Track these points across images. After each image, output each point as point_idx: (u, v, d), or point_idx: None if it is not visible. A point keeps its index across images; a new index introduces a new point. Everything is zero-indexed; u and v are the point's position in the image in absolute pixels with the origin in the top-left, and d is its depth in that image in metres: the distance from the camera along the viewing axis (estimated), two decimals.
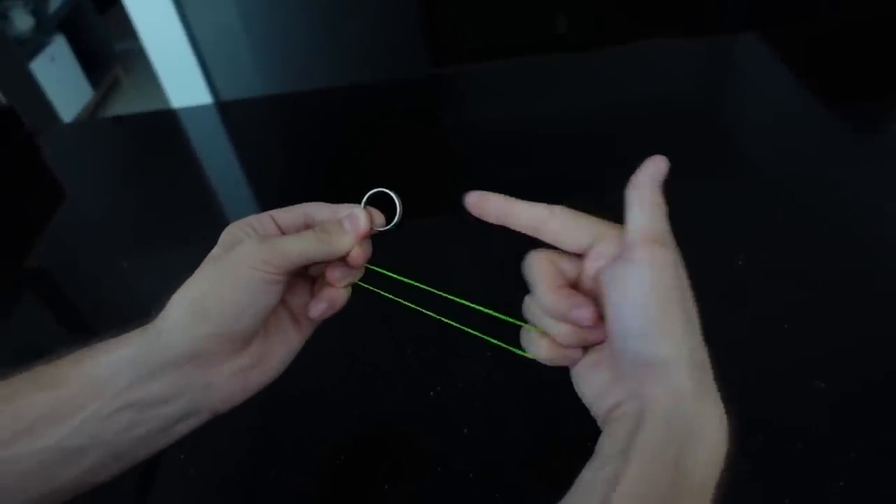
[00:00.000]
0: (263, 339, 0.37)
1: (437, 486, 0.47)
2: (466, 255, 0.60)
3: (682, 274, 0.31)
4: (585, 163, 0.77)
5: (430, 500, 0.47)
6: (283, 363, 0.39)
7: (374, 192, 0.38)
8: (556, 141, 0.83)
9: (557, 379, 0.52)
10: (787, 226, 0.65)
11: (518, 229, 0.36)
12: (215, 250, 0.37)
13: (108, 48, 2.97)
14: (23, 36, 2.42)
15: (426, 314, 0.39)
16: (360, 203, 0.38)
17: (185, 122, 1.00)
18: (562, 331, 0.34)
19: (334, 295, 0.39)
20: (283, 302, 0.39)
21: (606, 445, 0.31)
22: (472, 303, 0.38)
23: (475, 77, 1.05)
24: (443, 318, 0.39)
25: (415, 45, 1.38)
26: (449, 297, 0.39)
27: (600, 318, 0.33)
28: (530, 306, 0.36)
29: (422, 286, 0.39)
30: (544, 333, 0.35)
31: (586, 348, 0.35)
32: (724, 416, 0.30)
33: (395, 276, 0.40)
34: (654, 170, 0.33)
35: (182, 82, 1.29)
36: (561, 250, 0.35)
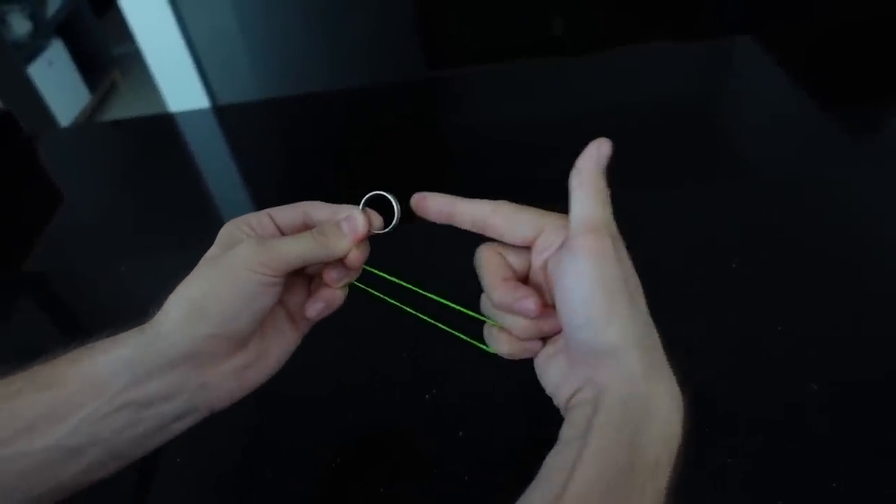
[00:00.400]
0: (260, 338, 0.38)
1: (433, 489, 0.47)
2: (464, 257, 0.60)
3: (625, 259, 0.32)
4: None
5: (425, 503, 0.47)
6: (279, 362, 0.39)
7: (373, 195, 0.38)
8: (553, 143, 0.83)
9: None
10: (783, 228, 0.65)
11: (464, 227, 0.36)
12: (212, 250, 0.37)
13: (105, 52, 2.97)
14: (20, 40, 2.42)
15: (419, 317, 0.40)
16: (358, 205, 0.38)
17: (183, 125, 1.00)
18: (517, 324, 0.35)
19: (331, 295, 0.39)
20: (280, 301, 0.39)
21: (566, 432, 0.31)
22: (466, 305, 0.38)
23: (472, 80, 1.06)
24: (437, 323, 0.40)
25: (412, 48, 1.39)
26: (437, 299, 0.39)
27: (550, 308, 0.34)
28: (484, 302, 0.37)
29: (414, 288, 0.40)
30: (502, 329, 0.36)
31: (545, 340, 0.36)
32: (678, 394, 0.31)
33: (391, 278, 0.40)
34: (597, 154, 0.33)
35: (179, 86, 1.30)
36: (508, 244, 0.36)
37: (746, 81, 0.94)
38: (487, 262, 0.36)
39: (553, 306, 0.34)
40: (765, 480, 0.45)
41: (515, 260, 0.36)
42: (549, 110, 0.91)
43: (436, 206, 0.37)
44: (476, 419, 0.51)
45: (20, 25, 2.42)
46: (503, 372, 0.54)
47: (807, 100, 0.87)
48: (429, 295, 0.40)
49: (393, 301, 0.41)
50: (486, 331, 0.37)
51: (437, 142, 0.89)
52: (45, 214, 0.81)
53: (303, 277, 0.41)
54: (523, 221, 0.35)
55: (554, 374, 0.35)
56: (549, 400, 0.51)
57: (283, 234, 0.39)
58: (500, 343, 0.36)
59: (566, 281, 0.31)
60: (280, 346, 0.39)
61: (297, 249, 0.36)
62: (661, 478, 0.29)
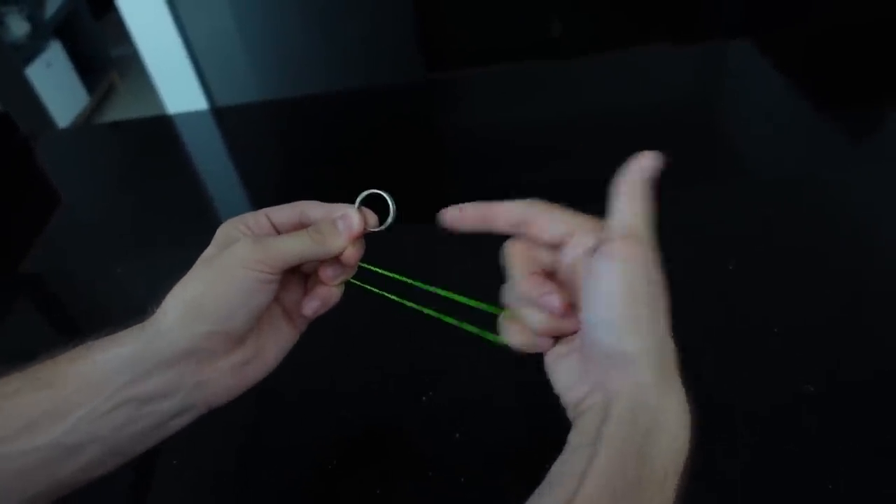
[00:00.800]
0: (257, 336, 0.38)
1: (429, 491, 0.47)
2: (462, 259, 0.60)
3: (656, 271, 0.32)
4: (581, 167, 0.77)
5: None
6: (276, 359, 0.40)
7: (368, 194, 0.39)
8: (551, 146, 0.83)
9: (549, 384, 0.53)
10: (780, 229, 0.65)
11: (499, 230, 0.36)
12: (209, 249, 0.37)
13: (103, 54, 2.96)
14: (19, 42, 2.41)
15: (418, 310, 0.40)
16: (354, 204, 0.39)
17: (181, 127, 1.00)
18: (535, 318, 0.35)
19: (327, 293, 0.40)
20: (276, 299, 0.39)
21: (574, 438, 0.31)
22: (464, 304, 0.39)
23: (470, 82, 1.06)
24: (441, 316, 0.40)
25: (410, 50, 1.39)
26: (436, 290, 0.40)
27: (571, 307, 0.34)
28: (506, 293, 0.37)
29: (411, 281, 0.40)
30: (515, 320, 0.36)
31: (558, 338, 0.36)
32: (687, 409, 0.31)
33: (386, 272, 0.41)
34: (642, 165, 0.33)
35: (177, 88, 1.30)
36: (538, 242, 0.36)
37: (743, 84, 0.94)
38: (516, 254, 0.36)
39: (574, 306, 0.34)
40: (760, 481, 0.45)
41: (544, 255, 0.36)
42: (547, 112, 0.91)
43: (474, 213, 0.36)
44: (472, 421, 0.51)
45: (18, 27, 2.42)
46: (500, 374, 0.54)
47: (803, 102, 0.87)
48: (430, 288, 0.40)
49: (392, 296, 0.41)
50: (501, 321, 0.37)
51: (434, 144, 0.89)
52: (42, 216, 0.81)
53: (299, 276, 0.41)
54: (558, 220, 0.35)
55: (564, 375, 0.35)
56: (546, 403, 0.51)
57: (279, 233, 0.39)
58: (513, 334, 0.36)
59: (595, 283, 0.31)
60: (277, 343, 0.40)
61: (294, 247, 0.36)
62: (668, 491, 0.29)
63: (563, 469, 0.30)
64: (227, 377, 0.37)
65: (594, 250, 0.32)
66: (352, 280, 0.41)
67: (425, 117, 0.96)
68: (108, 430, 0.34)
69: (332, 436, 0.52)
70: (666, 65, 1.00)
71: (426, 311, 0.40)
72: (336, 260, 0.39)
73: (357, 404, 0.54)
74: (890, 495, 0.44)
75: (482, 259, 0.66)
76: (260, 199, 0.83)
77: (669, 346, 0.31)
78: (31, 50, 2.46)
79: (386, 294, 0.41)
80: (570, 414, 0.34)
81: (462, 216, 0.36)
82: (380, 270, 0.41)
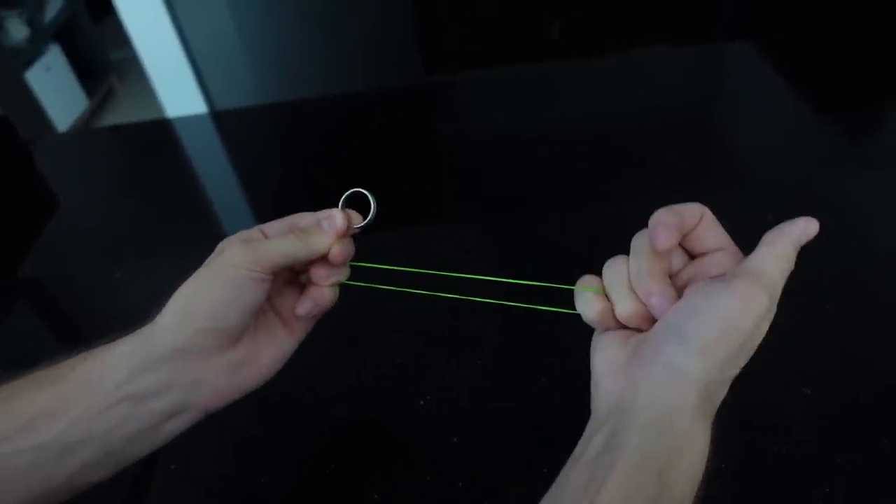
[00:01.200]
0: (253, 337, 0.39)
1: (427, 496, 0.47)
2: (461, 260, 0.60)
3: (764, 325, 0.32)
4: (579, 170, 0.77)
5: None
6: (273, 365, 0.41)
7: (352, 193, 0.41)
8: (550, 148, 0.83)
9: (547, 389, 0.53)
10: None
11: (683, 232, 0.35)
12: (207, 260, 0.39)
13: (103, 57, 2.96)
14: (18, 45, 2.41)
15: (420, 294, 0.41)
16: (338, 205, 0.41)
17: (180, 131, 1.00)
18: (626, 304, 0.34)
19: (319, 293, 0.41)
20: (273, 306, 0.41)
21: (595, 439, 0.31)
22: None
23: (470, 85, 1.06)
24: (438, 293, 0.41)
25: (409, 52, 1.39)
26: (449, 274, 0.40)
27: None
28: (614, 266, 0.35)
29: (406, 269, 0.41)
30: (602, 297, 0.35)
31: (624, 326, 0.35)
32: (709, 443, 0.31)
33: (379, 265, 0.42)
34: (803, 228, 0.34)
35: (177, 91, 1.30)
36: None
37: (742, 86, 0.94)
38: (652, 247, 0.34)
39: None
40: (757, 484, 0.45)
41: (675, 258, 0.36)
42: (546, 115, 0.91)
43: (675, 222, 0.34)
44: (471, 426, 0.51)
45: (18, 31, 2.42)
46: (499, 378, 0.54)
47: (803, 105, 0.87)
48: (445, 274, 0.40)
49: (390, 287, 0.41)
50: (578, 293, 0.36)
51: (434, 146, 0.89)
52: (41, 220, 0.82)
53: (296, 285, 0.43)
54: (718, 234, 0.36)
55: (611, 360, 0.34)
56: (545, 409, 0.52)
57: None
58: (588, 307, 0.35)
59: (703, 303, 0.31)
60: (272, 347, 0.41)
61: (280, 246, 0.38)
62: None
63: (580, 476, 0.30)
64: (221, 377, 0.37)
65: (721, 277, 0.32)
66: (347, 281, 0.42)
67: (425, 120, 0.96)
68: (104, 429, 0.34)
69: (329, 440, 0.52)
70: (665, 67, 1.00)
71: (443, 294, 0.41)
72: (325, 260, 0.40)
73: (355, 408, 0.54)
74: (886, 499, 0.44)
75: (482, 259, 0.66)
76: (259, 202, 0.83)
77: (723, 391, 0.32)
78: (30, 54, 2.46)
79: (386, 286, 0.41)
80: (597, 399, 0.33)
81: (671, 232, 0.33)
82: (372, 265, 0.42)
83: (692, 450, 0.30)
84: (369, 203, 0.40)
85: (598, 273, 0.36)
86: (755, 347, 0.32)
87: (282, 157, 0.92)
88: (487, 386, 0.54)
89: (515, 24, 1.39)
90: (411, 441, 0.51)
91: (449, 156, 0.87)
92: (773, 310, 0.32)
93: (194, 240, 0.75)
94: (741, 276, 0.31)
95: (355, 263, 0.42)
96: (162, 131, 1.02)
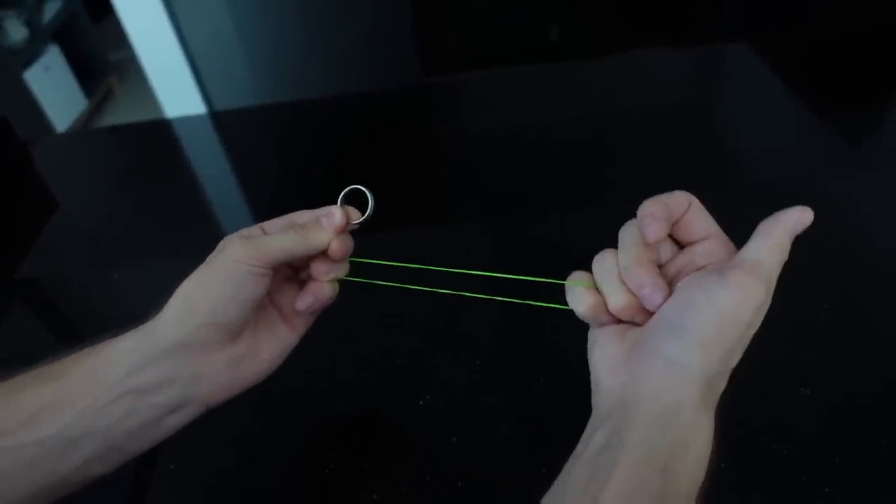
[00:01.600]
0: (253, 333, 0.40)
1: (426, 496, 0.47)
2: (461, 260, 0.60)
3: (760, 316, 0.32)
4: (578, 171, 0.78)
5: None
6: (273, 361, 0.41)
7: (350, 190, 0.42)
8: (549, 149, 0.83)
9: (546, 389, 0.53)
10: None
11: (671, 221, 0.35)
12: (209, 256, 0.39)
13: (102, 58, 2.96)
14: (17, 46, 2.41)
15: (418, 290, 0.41)
16: (337, 202, 0.41)
17: (179, 132, 1.00)
18: (618, 298, 0.34)
19: (319, 289, 0.41)
20: (273, 302, 0.42)
21: (597, 436, 0.31)
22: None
23: (468, 86, 1.06)
24: (437, 290, 0.41)
25: (408, 54, 1.39)
26: (443, 269, 0.41)
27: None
28: (603, 260, 0.35)
29: (406, 265, 0.42)
30: (594, 291, 0.35)
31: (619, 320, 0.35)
32: (713, 437, 0.31)
33: (378, 261, 0.42)
34: (797, 217, 0.33)
35: (176, 92, 1.30)
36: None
37: (741, 87, 0.95)
38: (636, 236, 0.34)
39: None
40: (756, 483, 0.45)
41: (664, 248, 0.36)
42: (545, 116, 0.91)
43: (663, 212, 0.34)
44: (470, 425, 0.51)
45: (16, 31, 2.42)
46: (497, 378, 0.54)
47: (801, 106, 0.87)
48: (446, 270, 0.40)
49: (389, 283, 0.42)
50: (570, 287, 0.36)
51: (433, 147, 0.89)
52: (40, 220, 0.81)
53: (295, 281, 0.43)
54: (707, 220, 0.36)
55: (609, 356, 0.34)
56: (545, 409, 0.52)
57: None
58: (580, 301, 0.35)
59: (698, 296, 0.31)
60: (273, 343, 0.41)
61: (281, 242, 0.38)
62: None
63: (583, 473, 0.30)
64: (222, 372, 0.38)
65: (715, 268, 0.32)
66: (346, 277, 0.42)
67: (423, 121, 0.96)
68: (107, 423, 0.35)
69: (328, 440, 0.52)
70: (664, 68, 1.00)
71: (440, 290, 0.41)
72: (324, 255, 0.40)
73: (354, 408, 0.54)
74: (885, 499, 0.44)
75: (482, 259, 0.66)
76: (258, 202, 0.83)
77: (723, 382, 0.32)
78: (29, 54, 2.46)
79: (387, 283, 0.42)
80: (598, 396, 0.33)
81: (660, 223, 0.34)
82: (370, 261, 0.42)
83: (697, 441, 0.30)
84: (367, 200, 0.41)
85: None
86: (751, 337, 0.32)
87: (280, 157, 0.92)
88: (487, 385, 0.54)
89: (514, 25, 1.39)
90: (410, 440, 0.51)
91: (448, 157, 0.87)
92: (769, 300, 0.32)
93: (193, 240, 0.75)
94: (737, 267, 0.31)
95: (354, 259, 0.42)
96: (161, 132, 1.02)
